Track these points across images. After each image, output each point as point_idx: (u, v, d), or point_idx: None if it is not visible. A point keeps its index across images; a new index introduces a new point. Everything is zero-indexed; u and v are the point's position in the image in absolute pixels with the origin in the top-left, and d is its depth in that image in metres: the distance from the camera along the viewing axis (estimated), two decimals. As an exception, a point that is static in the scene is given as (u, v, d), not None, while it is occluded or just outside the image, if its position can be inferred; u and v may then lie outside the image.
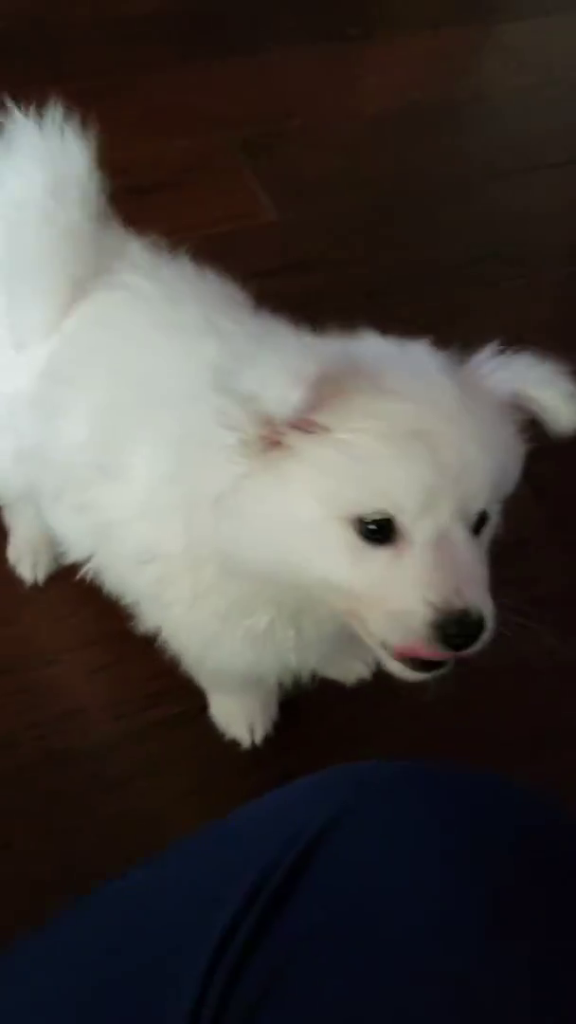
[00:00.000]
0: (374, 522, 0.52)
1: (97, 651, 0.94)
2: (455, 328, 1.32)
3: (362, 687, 0.92)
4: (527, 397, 0.58)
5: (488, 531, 0.58)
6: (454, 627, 0.52)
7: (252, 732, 0.88)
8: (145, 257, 0.76)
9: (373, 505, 0.52)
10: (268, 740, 0.88)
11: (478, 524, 0.56)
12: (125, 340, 0.71)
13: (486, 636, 0.54)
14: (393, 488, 0.52)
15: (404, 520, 0.53)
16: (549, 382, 0.58)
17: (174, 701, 0.90)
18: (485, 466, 0.54)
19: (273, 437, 0.54)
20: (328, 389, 0.51)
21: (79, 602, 0.97)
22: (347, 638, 0.63)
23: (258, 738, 0.88)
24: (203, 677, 0.83)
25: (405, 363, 0.57)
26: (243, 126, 1.54)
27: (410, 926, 0.45)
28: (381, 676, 0.92)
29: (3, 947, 0.55)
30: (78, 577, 0.80)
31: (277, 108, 1.59)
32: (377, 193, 1.49)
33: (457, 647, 0.53)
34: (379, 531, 0.53)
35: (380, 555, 0.53)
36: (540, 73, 1.72)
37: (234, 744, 0.88)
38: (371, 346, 0.59)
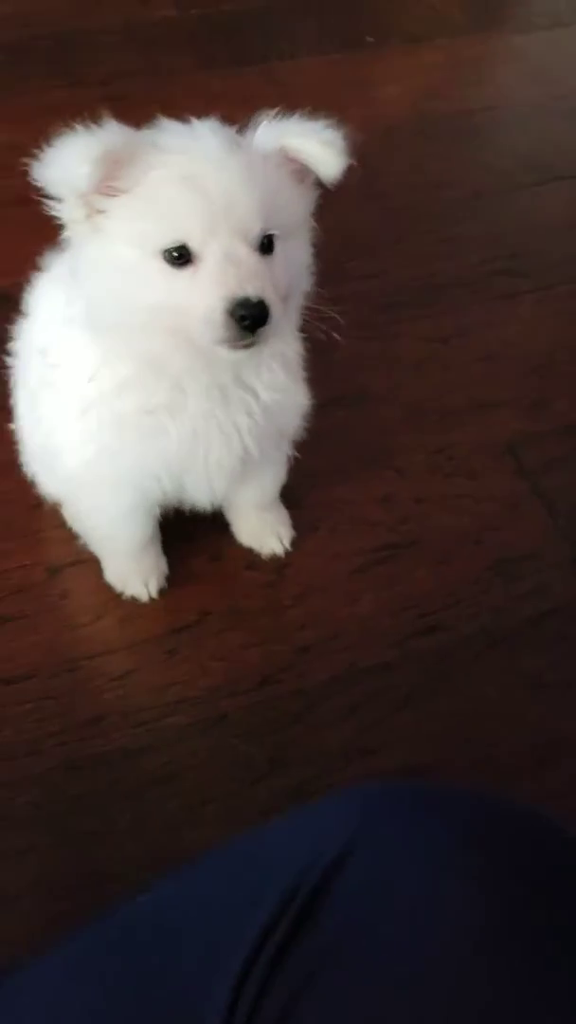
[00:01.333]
0: (175, 250, 0.68)
1: (117, 658, 0.95)
2: (469, 340, 1.35)
3: (369, 701, 0.94)
4: (293, 149, 0.72)
5: (286, 251, 0.72)
6: (240, 310, 0.68)
7: (147, 587, 0.99)
8: None
9: (169, 236, 0.68)
10: (281, 752, 0.90)
11: (266, 245, 0.70)
12: None
13: (272, 317, 0.69)
14: (180, 221, 0.67)
15: (195, 245, 0.68)
16: (310, 134, 0.72)
17: (192, 710, 0.92)
18: (250, 198, 0.68)
19: (90, 208, 0.69)
20: (114, 160, 0.66)
21: (100, 609, 0.99)
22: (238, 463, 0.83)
23: (153, 591, 0.99)
24: (99, 530, 0.96)
25: (185, 130, 0.71)
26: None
27: (430, 940, 0.47)
28: (388, 692, 0.96)
29: (24, 952, 0.57)
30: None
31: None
32: (391, 204, 1.50)
33: (251, 328, 0.69)
34: (180, 257, 0.68)
35: (184, 275, 0.69)
36: (555, 84, 1.74)
37: (251, 754, 0.90)
38: (161, 125, 0.72)
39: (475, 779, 0.90)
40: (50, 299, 0.87)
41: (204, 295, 0.68)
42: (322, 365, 0.91)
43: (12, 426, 1.00)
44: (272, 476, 0.97)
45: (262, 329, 0.69)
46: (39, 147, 0.69)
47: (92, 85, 1.64)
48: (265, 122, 0.72)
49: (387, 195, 1.50)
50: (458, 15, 1.87)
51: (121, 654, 0.96)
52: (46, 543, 1.03)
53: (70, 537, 1.02)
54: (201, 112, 1.67)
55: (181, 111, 1.66)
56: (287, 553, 1.04)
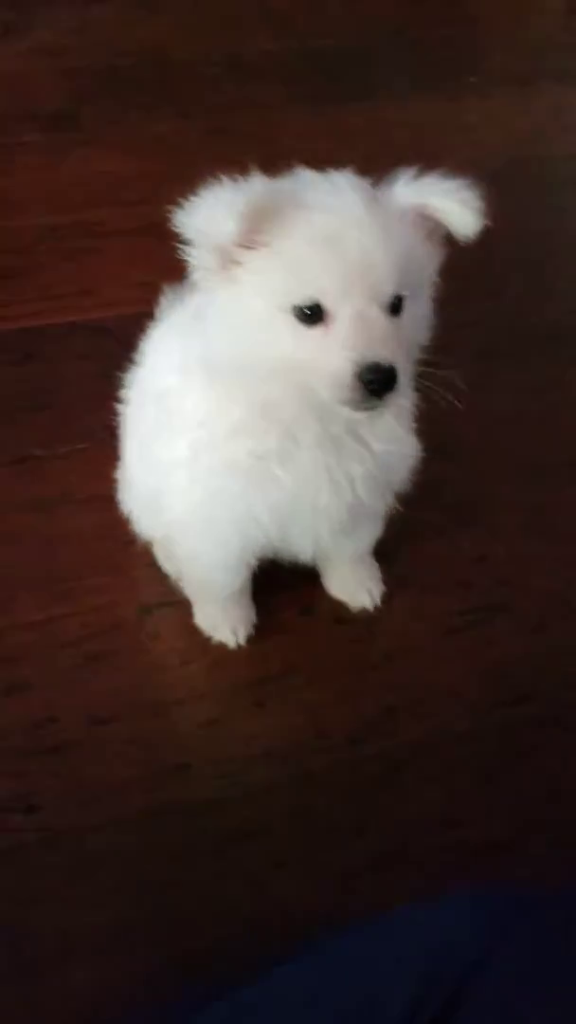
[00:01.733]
0: (307, 307, 0.68)
1: (204, 705, 0.95)
2: (568, 394, 1.32)
3: (454, 770, 0.92)
4: (431, 207, 0.72)
5: (413, 310, 0.72)
6: (369, 374, 0.68)
7: (236, 634, 0.99)
8: None
9: (303, 293, 0.68)
10: (364, 816, 0.89)
11: (396, 306, 0.70)
12: None
13: (399, 383, 0.69)
14: (315, 279, 0.67)
15: (328, 303, 0.68)
16: (449, 193, 0.71)
17: (277, 765, 0.91)
18: (387, 260, 0.68)
19: (227, 258, 0.69)
20: (258, 214, 0.66)
21: (188, 653, 0.99)
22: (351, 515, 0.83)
23: (241, 639, 0.99)
24: (196, 575, 0.96)
25: (324, 185, 0.71)
26: (361, 174, 1.56)
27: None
28: (474, 761, 0.93)
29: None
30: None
31: (393, 157, 1.60)
32: (489, 250, 1.48)
33: (378, 393, 0.69)
34: (312, 315, 0.68)
35: (314, 332, 0.69)
36: None
37: (334, 816, 0.89)
38: (300, 177, 0.72)
39: (556, 859, 0.88)
40: (166, 348, 0.88)
41: (334, 356, 0.68)
42: (417, 414, 0.90)
43: (116, 474, 1.01)
44: (370, 528, 0.97)
45: (389, 393, 0.69)
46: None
47: (196, 117, 1.66)
48: (404, 179, 0.72)
49: (485, 241, 1.48)
50: (564, 56, 1.85)
51: (208, 701, 0.96)
52: (138, 581, 1.04)
53: (161, 577, 1.03)
54: (303, 149, 1.67)
55: (282, 147, 1.67)
56: (377, 609, 1.03)
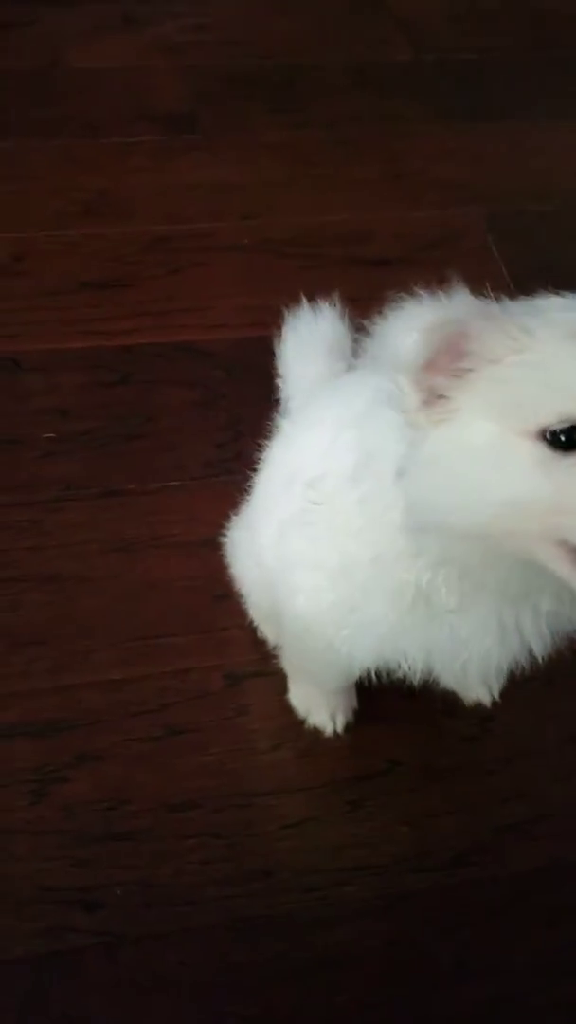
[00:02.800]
0: (563, 431, 0.49)
1: (294, 802, 0.84)
2: None
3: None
4: None
5: None
6: None
7: (334, 720, 0.87)
8: None
9: (557, 410, 0.49)
10: (469, 954, 0.77)
11: None
12: None
13: None
14: (573, 389, 0.49)
15: None
16: None
17: (372, 882, 0.80)
18: None
19: (433, 396, 0.53)
20: (458, 336, 0.51)
21: (279, 736, 0.88)
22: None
23: (340, 727, 0.87)
24: (302, 664, 0.84)
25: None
26: (493, 201, 1.44)
27: None
28: None
29: None
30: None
31: (533, 186, 1.47)
32: None
33: None
34: (568, 440, 0.49)
35: (569, 461, 0.49)
36: None
37: (435, 950, 0.77)
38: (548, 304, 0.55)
39: None
40: (322, 431, 0.71)
41: None
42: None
43: (227, 530, 0.89)
44: None
45: None
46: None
47: (317, 127, 1.55)
48: None
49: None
50: None
51: (298, 796, 0.84)
52: (227, 644, 0.93)
53: (255, 641, 0.92)
54: (430, 169, 1.52)
55: (409, 165, 1.55)
56: (493, 703, 0.90)
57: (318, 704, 0.87)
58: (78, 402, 1.12)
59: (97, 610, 0.95)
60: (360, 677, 0.85)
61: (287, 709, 0.89)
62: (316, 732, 0.88)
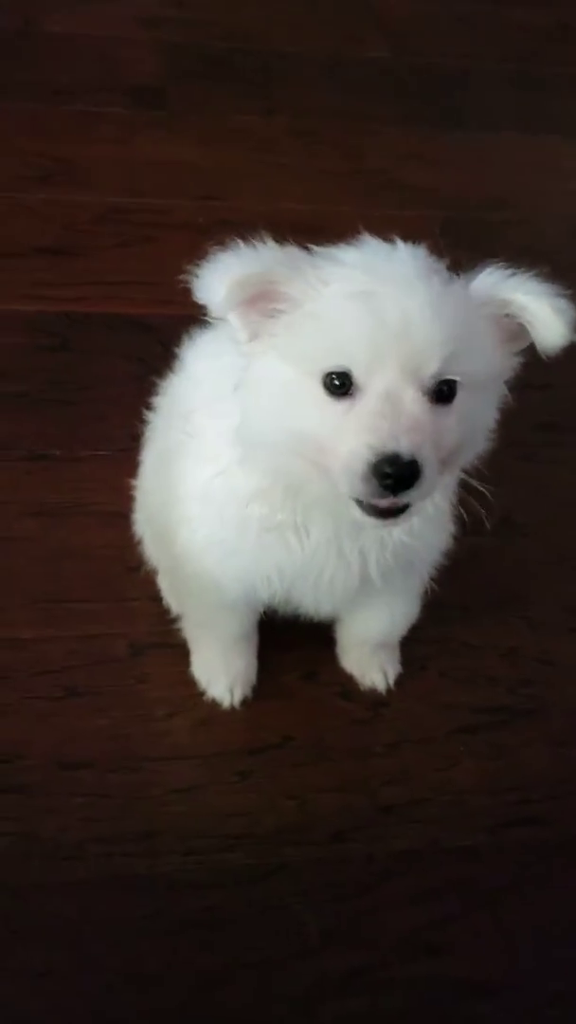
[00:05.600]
0: (336, 375, 0.59)
1: (184, 768, 0.86)
2: None
3: (446, 890, 0.83)
4: (518, 305, 0.62)
5: (468, 404, 0.62)
6: (387, 467, 0.57)
7: (232, 692, 0.90)
8: None
9: (331, 360, 0.59)
10: (337, 926, 0.80)
11: (443, 393, 0.60)
12: None
13: (423, 483, 0.59)
14: (345, 343, 0.59)
15: (359, 374, 0.59)
16: (542, 295, 0.62)
17: (251, 850, 0.82)
18: (434, 331, 0.58)
19: (249, 328, 0.62)
20: (263, 283, 0.60)
21: (176, 704, 0.90)
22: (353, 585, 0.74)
23: (237, 699, 0.90)
24: (198, 612, 0.88)
25: (380, 249, 0.63)
26: (450, 207, 1.46)
27: None
28: (469, 884, 0.80)
29: None
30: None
31: (491, 196, 1.50)
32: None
33: (393, 489, 0.58)
34: (340, 385, 0.60)
35: (339, 406, 0.60)
36: None
37: (304, 920, 0.80)
38: (365, 245, 0.64)
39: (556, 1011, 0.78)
40: (207, 363, 0.79)
41: (352, 436, 0.59)
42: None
43: (133, 482, 0.93)
44: (402, 608, 0.88)
45: (406, 492, 0.59)
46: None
47: (284, 115, 1.57)
48: (491, 270, 0.63)
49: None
50: None
51: (189, 764, 0.87)
52: (135, 614, 0.95)
53: (162, 613, 0.94)
54: (389, 169, 1.54)
55: (368, 164, 1.57)
56: (388, 690, 0.94)
57: (218, 674, 0.90)
58: (15, 364, 1.13)
59: (12, 570, 0.96)
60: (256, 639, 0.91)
61: (187, 681, 0.91)
62: (213, 704, 0.90)
